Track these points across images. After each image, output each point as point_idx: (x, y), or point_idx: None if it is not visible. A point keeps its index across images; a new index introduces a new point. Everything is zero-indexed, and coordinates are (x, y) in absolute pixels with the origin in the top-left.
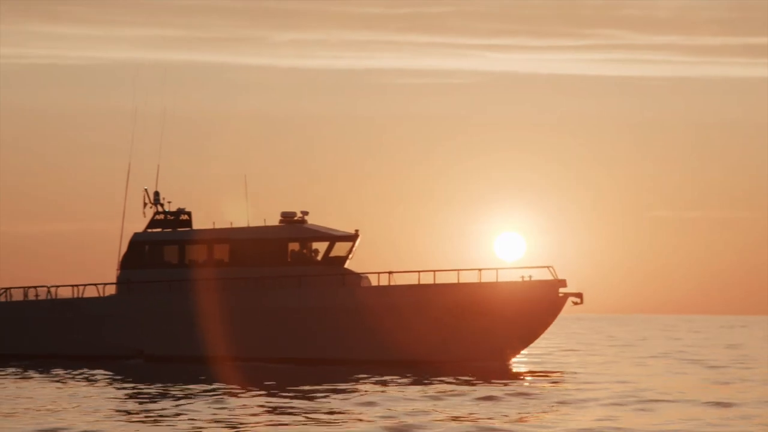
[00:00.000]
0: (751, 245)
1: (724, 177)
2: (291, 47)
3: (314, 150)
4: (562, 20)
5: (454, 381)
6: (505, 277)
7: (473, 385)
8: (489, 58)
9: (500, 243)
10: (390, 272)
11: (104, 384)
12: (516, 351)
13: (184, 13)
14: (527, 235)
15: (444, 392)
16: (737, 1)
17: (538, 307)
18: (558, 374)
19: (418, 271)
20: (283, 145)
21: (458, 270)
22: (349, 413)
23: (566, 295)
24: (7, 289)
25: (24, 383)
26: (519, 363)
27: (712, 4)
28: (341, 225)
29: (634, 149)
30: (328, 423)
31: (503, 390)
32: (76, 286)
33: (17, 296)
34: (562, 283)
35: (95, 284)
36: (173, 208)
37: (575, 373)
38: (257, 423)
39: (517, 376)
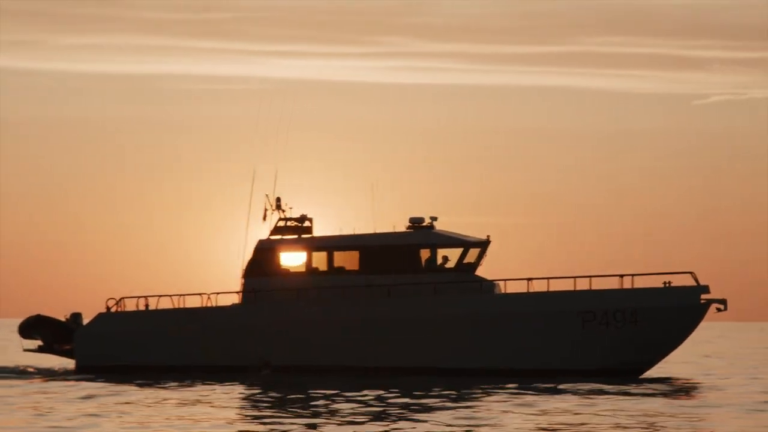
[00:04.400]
0: (532, 252)
1: (506, 183)
2: (71, 51)
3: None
4: (346, 27)
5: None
6: (643, 283)
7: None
8: (274, 64)
9: None
10: (529, 279)
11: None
12: (655, 361)
13: None
14: None
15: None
16: (518, 10)
17: (680, 314)
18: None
19: (549, 278)
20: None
21: (591, 276)
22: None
23: (709, 302)
24: (121, 299)
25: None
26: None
27: (494, 12)
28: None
29: (417, 155)
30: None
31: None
32: (198, 294)
33: (131, 306)
34: (705, 289)
35: (218, 293)
36: (295, 215)
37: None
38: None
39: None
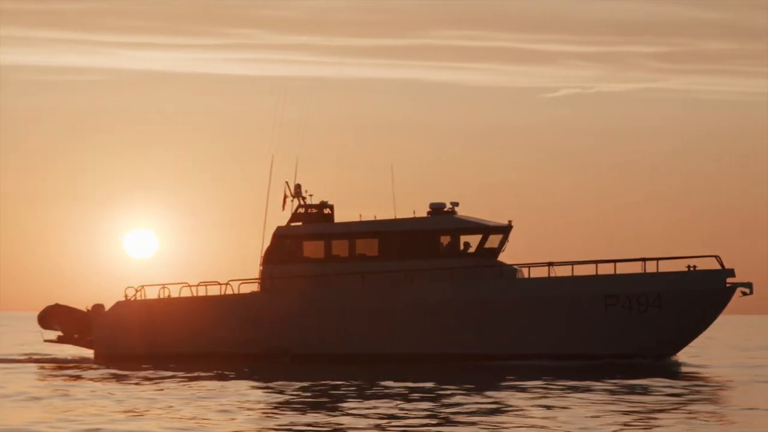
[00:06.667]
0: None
1: (361, 178)
2: None
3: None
4: (200, 19)
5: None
6: (667, 267)
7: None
8: (123, 55)
9: (130, 240)
10: (551, 263)
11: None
12: (680, 346)
13: None
14: (159, 233)
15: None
16: (369, 4)
17: (705, 298)
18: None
19: (573, 263)
20: None
21: (614, 261)
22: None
23: (735, 286)
24: (141, 287)
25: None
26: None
27: (346, 5)
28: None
29: (272, 148)
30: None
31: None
32: (216, 283)
33: (151, 295)
34: (730, 272)
35: (237, 281)
36: (315, 201)
37: None
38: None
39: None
